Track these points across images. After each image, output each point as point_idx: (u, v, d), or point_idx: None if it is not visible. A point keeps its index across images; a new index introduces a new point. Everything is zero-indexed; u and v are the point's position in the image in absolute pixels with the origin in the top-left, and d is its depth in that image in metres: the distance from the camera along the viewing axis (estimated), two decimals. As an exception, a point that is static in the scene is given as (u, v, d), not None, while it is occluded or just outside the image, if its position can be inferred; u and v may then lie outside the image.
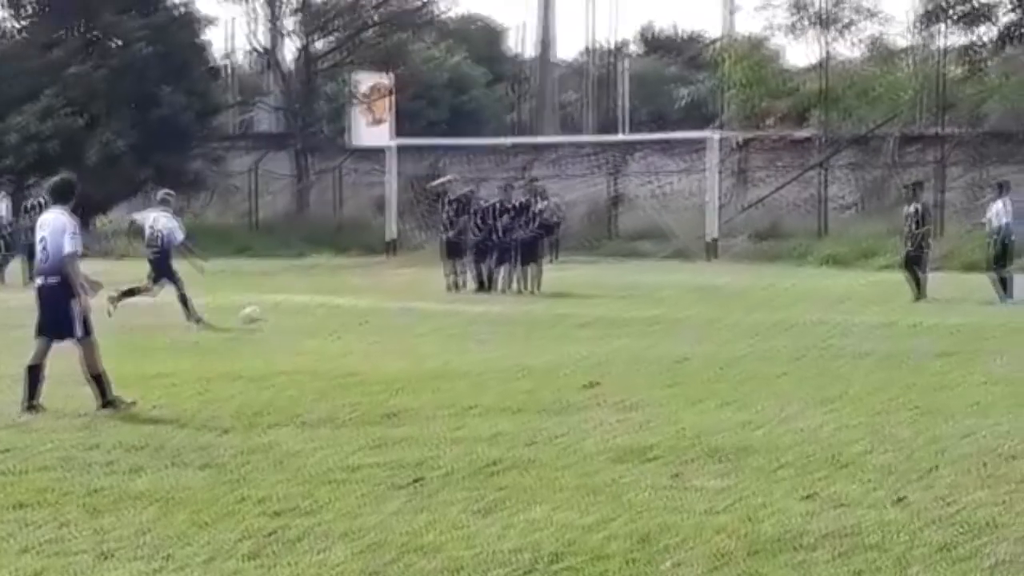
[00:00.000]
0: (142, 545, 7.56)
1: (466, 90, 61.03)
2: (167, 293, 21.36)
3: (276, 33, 52.00)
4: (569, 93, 69.16)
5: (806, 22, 48.46)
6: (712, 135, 44.13)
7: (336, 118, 54.31)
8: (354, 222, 47.75)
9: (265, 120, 61.76)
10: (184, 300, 20.52)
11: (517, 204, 28.68)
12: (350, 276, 33.76)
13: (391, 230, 44.40)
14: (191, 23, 49.31)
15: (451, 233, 28.72)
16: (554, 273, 29.67)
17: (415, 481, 9.12)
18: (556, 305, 24.30)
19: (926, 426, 11.16)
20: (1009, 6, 43.30)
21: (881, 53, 49.27)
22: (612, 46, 69.63)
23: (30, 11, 49.43)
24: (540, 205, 29.94)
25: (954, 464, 9.64)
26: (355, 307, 23.64)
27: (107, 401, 12.12)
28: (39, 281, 12.57)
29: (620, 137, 52.17)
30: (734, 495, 8.69)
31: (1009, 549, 7.46)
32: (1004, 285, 25.07)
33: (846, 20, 48.59)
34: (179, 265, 21.17)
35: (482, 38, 70.45)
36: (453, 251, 28.69)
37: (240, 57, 61.68)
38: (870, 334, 18.77)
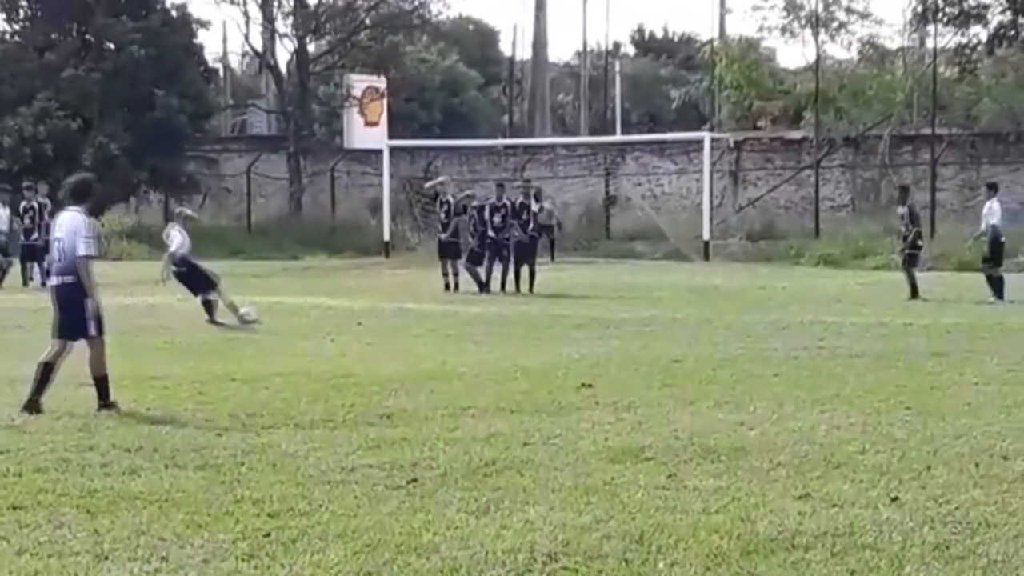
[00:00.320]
0: (139, 546, 7.56)
1: (460, 92, 61.10)
2: (168, 294, 21.68)
3: (270, 36, 52.02)
4: (562, 95, 69.23)
5: (799, 24, 48.55)
6: (706, 136, 44.17)
7: (330, 120, 54.38)
8: (348, 224, 47.75)
9: (259, 123, 61.85)
10: (208, 304, 21.03)
11: (509, 204, 28.67)
12: (345, 278, 33.76)
13: (385, 232, 44.39)
14: (185, 26, 49.33)
15: (446, 234, 28.77)
16: (550, 274, 29.71)
17: (411, 482, 9.13)
18: (552, 306, 24.31)
19: (920, 426, 11.17)
20: (1001, 7, 43.37)
21: (874, 54, 49.32)
22: (605, 48, 69.76)
23: (24, 15, 49.44)
24: (536, 207, 29.97)
25: (948, 464, 9.65)
26: (350, 308, 23.64)
27: (106, 403, 12.14)
28: (54, 281, 12.60)
29: (614, 138, 52.25)
30: (729, 495, 8.70)
31: (1003, 548, 7.49)
32: (995, 285, 25.05)
33: (839, 21, 48.68)
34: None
35: (475, 40, 70.58)
36: (448, 252, 28.73)
37: (234, 60, 61.81)
38: (864, 334, 18.79)
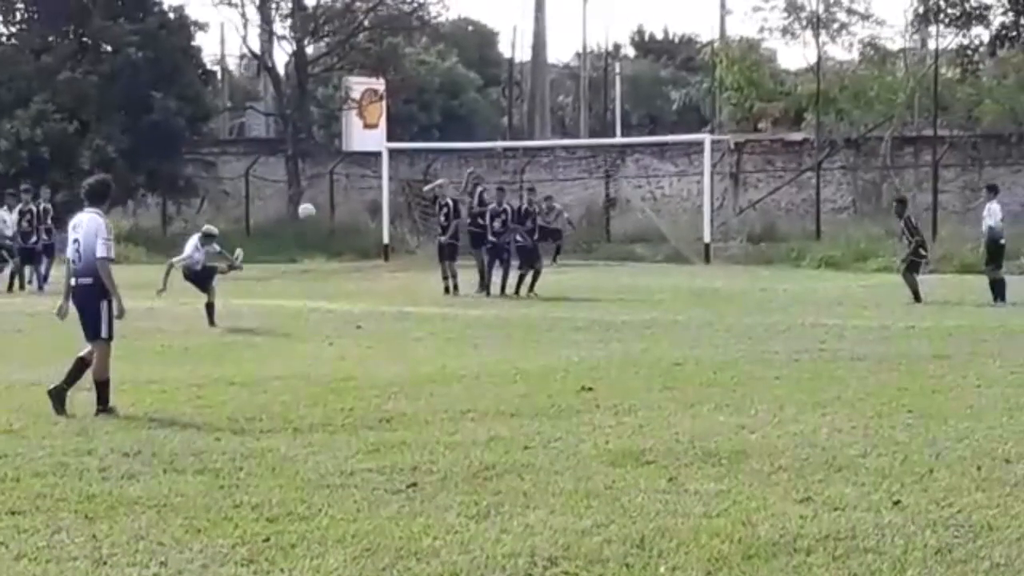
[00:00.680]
0: (137, 551, 7.54)
1: (459, 94, 61.05)
2: (168, 296, 21.61)
3: (268, 38, 51.99)
4: (562, 97, 69.22)
5: (800, 25, 48.54)
6: (706, 138, 44.14)
7: (329, 123, 54.36)
8: (347, 227, 47.69)
9: (257, 125, 61.79)
10: (210, 308, 21.18)
11: (510, 208, 28.71)
12: (344, 281, 33.75)
13: (385, 234, 44.36)
14: (183, 28, 49.26)
15: (445, 237, 28.74)
16: (550, 276, 29.67)
17: (410, 486, 9.10)
18: (552, 308, 24.30)
19: (922, 429, 11.15)
20: (1003, 8, 43.34)
21: (875, 55, 49.30)
22: (605, 49, 69.77)
23: (21, 17, 49.41)
24: (552, 215, 30.17)
25: (950, 467, 9.62)
26: (349, 312, 23.62)
27: (104, 408, 12.11)
28: (73, 282, 12.59)
29: (614, 140, 52.22)
30: (730, 498, 8.68)
31: (1005, 552, 7.46)
32: (997, 288, 24.99)
33: (840, 22, 48.66)
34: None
35: (475, 42, 70.57)
36: (448, 254, 28.70)
37: (232, 62, 61.77)
38: (865, 337, 18.76)
